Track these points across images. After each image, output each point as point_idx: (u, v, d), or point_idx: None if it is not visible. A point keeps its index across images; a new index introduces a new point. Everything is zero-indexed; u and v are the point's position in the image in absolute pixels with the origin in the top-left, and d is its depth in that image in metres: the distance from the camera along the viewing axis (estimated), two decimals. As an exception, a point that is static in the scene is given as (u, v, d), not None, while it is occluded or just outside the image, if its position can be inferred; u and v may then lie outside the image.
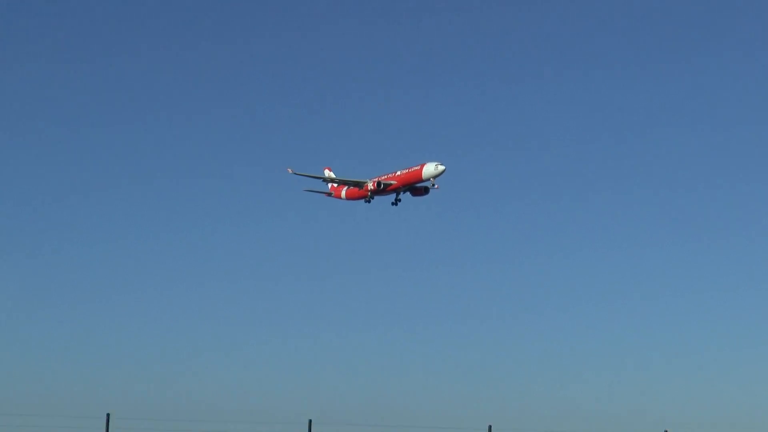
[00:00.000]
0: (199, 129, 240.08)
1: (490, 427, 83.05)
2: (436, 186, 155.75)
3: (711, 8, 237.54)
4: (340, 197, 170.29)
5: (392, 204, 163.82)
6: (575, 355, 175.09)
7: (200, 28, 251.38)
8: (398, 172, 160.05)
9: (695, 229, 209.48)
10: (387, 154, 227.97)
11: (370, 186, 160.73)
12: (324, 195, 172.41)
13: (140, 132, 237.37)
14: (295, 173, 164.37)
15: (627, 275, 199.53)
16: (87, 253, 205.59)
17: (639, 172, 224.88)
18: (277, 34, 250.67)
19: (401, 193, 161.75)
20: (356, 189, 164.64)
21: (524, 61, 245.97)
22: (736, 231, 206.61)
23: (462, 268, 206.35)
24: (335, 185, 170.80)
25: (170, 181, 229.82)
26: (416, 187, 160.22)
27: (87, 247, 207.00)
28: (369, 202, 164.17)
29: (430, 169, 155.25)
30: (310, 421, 79.89)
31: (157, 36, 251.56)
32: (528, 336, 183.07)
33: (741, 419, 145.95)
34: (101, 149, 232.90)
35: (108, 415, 76.04)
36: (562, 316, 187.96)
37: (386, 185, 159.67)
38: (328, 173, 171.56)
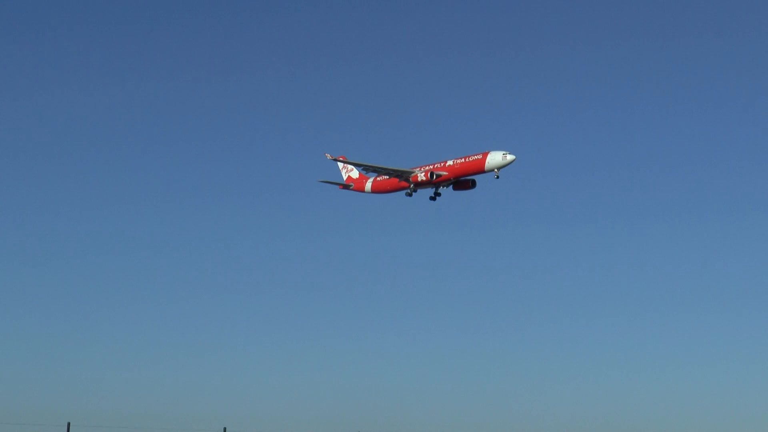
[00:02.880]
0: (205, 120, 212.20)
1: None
2: (497, 176, 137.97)
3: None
4: (362, 190, 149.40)
5: (431, 198, 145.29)
6: (572, 362, 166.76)
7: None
8: (450, 162, 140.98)
9: (691, 234, 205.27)
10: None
11: (421, 176, 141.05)
12: (338, 187, 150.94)
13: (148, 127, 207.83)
14: (334, 159, 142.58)
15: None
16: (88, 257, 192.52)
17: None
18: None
19: (444, 186, 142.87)
20: (394, 180, 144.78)
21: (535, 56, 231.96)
22: (736, 234, 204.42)
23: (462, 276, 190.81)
24: (354, 176, 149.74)
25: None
26: (462, 180, 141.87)
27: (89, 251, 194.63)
28: (411, 195, 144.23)
29: (496, 158, 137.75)
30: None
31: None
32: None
33: (729, 421, 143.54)
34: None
35: None
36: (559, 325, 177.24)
37: (438, 176, 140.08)
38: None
